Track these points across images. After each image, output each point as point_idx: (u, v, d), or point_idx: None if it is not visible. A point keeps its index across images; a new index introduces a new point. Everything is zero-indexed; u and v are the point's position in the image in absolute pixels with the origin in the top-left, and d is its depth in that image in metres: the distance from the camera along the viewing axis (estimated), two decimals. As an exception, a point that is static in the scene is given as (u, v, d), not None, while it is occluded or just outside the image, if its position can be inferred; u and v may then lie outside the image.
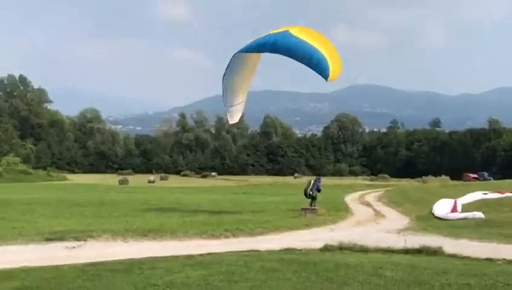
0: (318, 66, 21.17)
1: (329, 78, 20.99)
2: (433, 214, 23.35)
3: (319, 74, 21.15)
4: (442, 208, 24.03)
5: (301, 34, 22.18)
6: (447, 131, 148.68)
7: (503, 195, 28.40)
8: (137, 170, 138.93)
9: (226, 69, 25.60)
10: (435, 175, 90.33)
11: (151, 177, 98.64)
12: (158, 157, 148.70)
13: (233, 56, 24.63)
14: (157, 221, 20.70)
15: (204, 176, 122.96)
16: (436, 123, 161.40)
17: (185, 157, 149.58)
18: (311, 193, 26.15)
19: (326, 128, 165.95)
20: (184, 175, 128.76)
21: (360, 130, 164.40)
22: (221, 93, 27.16)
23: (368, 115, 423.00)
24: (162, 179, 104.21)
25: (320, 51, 21.44)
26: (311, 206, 25.87)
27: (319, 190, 26.86)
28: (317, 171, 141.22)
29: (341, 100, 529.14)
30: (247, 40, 24.81)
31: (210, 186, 74.45)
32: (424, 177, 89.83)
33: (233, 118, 28.01)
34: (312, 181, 27.23)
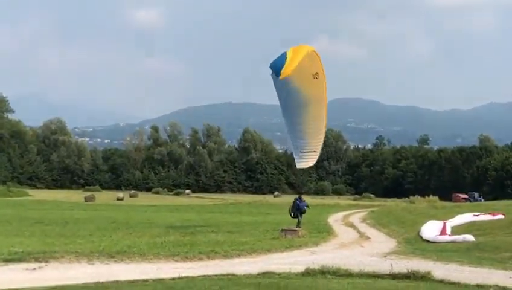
0: (274, 66, 22.39)
1: (281, 75, 22.67)
2: (421, 237, 23.49)
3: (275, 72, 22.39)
4: (430, 230, 24.19)
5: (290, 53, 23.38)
6: (435, 148, 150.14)
7: (495, 217, 28.67)
8: (105, 186, 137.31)
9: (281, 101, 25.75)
10: (423, 195, 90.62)
11: (120, 194, 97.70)
12: (128, 172, 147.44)
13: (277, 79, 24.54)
14: (125, 241, 20.47)
15: (177, 194, 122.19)
16: (424, 140, 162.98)
17: (157, 174, 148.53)
18: (292, 214, 26.75)
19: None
20: (156, 192, 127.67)
21: (345, 146, 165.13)
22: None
23: (353, 130, 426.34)
24: (131, 196, 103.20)
25: (287, 55, 22.71)
26: (297, 227, 26.20)
27: (301, 211, 27.07)
28: (298, 189, 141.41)
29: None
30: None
31: (183, 204, 74.02)
32: (411, 197, 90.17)
33: (302, 163, 27.20)
34: (294, 200, 27.67)
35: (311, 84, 25.33)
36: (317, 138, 27.08)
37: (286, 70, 23.13)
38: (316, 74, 25.43)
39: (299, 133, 26.48)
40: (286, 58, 23.41)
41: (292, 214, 27.44)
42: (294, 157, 27.05)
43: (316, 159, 27.46)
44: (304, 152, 26.54)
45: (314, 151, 27.10)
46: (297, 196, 28.52)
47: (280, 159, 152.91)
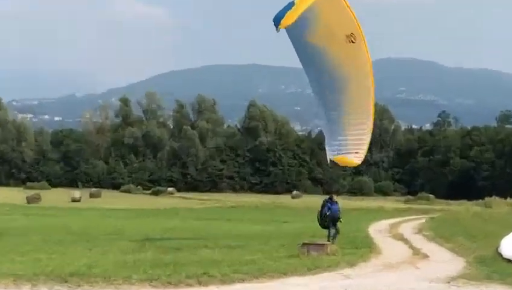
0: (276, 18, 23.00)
1: (280, 25, 22.96)
2: (500, 255, 23.43)
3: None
4: (514, 245, 24.14)
5: None
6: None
7: None
8: (54, 183, 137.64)
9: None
10: (504, 196, 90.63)
11: (76, 193, 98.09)
12: (87, 163, 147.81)
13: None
14: (83, 260, 20.54)
15: (156, 193, 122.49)
16: (506, 117, 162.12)
17: (128, 165, 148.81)
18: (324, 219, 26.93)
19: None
20: (126, 191, 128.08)
21: (393, 127, 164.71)
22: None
23: (405, 103, 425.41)
24: (92, 196, 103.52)
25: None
26: (329, 240, 26.31)
27: (334, 218, 27.18)
28: (326, 187, 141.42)
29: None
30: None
31: (165, 208, 74.21)
32: (487, 198, 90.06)
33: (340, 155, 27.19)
34: (323, 202, 27.74)
35: (345, 51, 25.29)
36: (360, 130, 27.11)
37: (287, 20, 23.10)
38: (352, 34, 25.29)
39: (335, 122, 26.61)
40: (293, 4, 23.42)
41: (323, 223, 27.46)
42: (326, 147, 27.11)
43: (362, 156, 27.46)
44: (343, 141, 26.60)
45: (360, 144, 27.09)
46: (327, 197, 28.50)
47: (301, 145, 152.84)
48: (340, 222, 28.11)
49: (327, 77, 26.15)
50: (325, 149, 27.43)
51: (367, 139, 27.49)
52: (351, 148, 26.89)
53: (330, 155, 27.11)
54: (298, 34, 25.21)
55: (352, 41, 25.22)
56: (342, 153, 26.79)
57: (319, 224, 27.74)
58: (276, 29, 23.21)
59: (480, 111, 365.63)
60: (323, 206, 27.52)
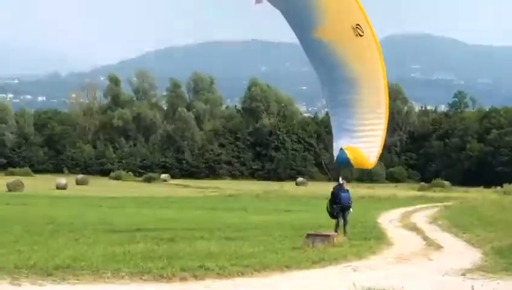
0: None
1: None
2: (520, 246, 23.50)
3: None
4: (535, 235, 24.20)
5: None
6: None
7: None
8: (38, 169, 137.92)
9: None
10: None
11: (62, 180, 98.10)
12: (73, 147, 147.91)
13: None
14: (69, 252, 20.56)
15: (148, 180, 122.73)
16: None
17: (118, 149, 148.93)
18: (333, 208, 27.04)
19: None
20: (116, 177, 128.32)
21: (406, 108, 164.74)
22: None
23: (419, 83, 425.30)
24: (79, 183, 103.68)
25: None
26: (336, 231, 26.53)
27: (344, 207, 27.27)
28: (335, 172, 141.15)
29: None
30: None
31: (158, 196, 74.32)
32: (506, 185, 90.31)
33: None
34: (333, 190, 27.87)
35: (353, 46, 25.17)
36: (372, 131, 27.01)
37: None
38: (358, 26, 25.11)
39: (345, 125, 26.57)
40: None
41: (333, 212, 27.55)
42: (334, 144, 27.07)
43: (375, 158, 27.39)
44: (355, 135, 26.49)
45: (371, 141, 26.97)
46: (338, 183, 28.53)
47: (306, 128, 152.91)
48: (350, 212, 28.21)
49: (337, 78, 26.04)
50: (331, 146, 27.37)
51: (379, 142, 27.25)
52: (364, 145, 26.66)
53: (339, 146, 26.75)
54: (303, 31, 25.17)
55: (360, 35, 25.02)
56: (354, 144, 26.48)
57: (329, 213, 27.84)
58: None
59: (499, 91, 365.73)
60: (333, 194, 27.59)
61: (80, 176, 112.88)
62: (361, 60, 25.61)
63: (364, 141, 26.42)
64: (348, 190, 28.03)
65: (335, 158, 27.22)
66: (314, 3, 24.14)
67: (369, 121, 26.49)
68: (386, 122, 27.12)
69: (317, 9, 24.32)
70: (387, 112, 27.05)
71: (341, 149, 26.61)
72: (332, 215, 27.65)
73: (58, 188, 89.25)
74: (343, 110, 26.47)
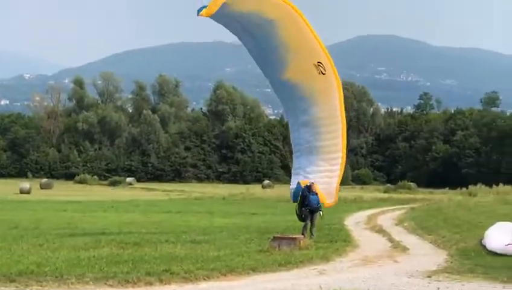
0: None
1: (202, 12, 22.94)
2: (484, 247, 23.71)
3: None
4: (499, 237, 24.37)
5: None
6: (509, 113, 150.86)
7: None
8: (1, 173, 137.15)
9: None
10: (489, 184, 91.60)
11: (25, 184, 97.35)
12: (37, 151, 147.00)
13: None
14: (32, 257, 20.45)
15: (114, 183, 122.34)
16: (492, 100, 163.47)
17: (83, 153, 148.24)
18: (301, 211, 27.16)
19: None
20: (80, 181, 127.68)
21: (372, 109, 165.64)
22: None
23: (385, 84, 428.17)
24: (43, 187, 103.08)
25: None
26: (303, 234, 26.64)
27: (312, 209, 27.30)
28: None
29: (342, 60, 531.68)
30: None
31: (123, 199, 73.96)
32: (471, 187, 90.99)
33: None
34: (301, 193, 27.87)
35: (316, 85, 25.57)
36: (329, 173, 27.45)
37: (210, 8, 22.92)
38: (319, 64, 25.34)
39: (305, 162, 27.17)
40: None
41: (301, 214, 27.60)
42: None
43: (332, 199, 27.68)
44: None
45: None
46: (306, 184, 28.50)
47: (272, 130, 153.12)
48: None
49: (303, 122, 26.55)
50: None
51: (335, 185, 27.79)
52: (321, 186, 27.14)
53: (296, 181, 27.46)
54: (272, 73, 26.06)
55: (322, 73, 25.22)
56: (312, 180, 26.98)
57: (297, 216, 27.86)
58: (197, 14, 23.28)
59: (464, 93, 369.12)
60: (302, 196, 27.55)
61: (44, 180, 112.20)
62: (324, 103, 26.09)
63: (321, 183, 26.99)
64: (317, 193, 28.05)
65: (292, 192, 27.77)
66: (279, 42, 24.35)
67: (326, 168, 27.06)
68: (343, 164, 27.76)
69: (283, 49, 24.55)
70: (345, 154, 27.73)
71: (298, 183, 27.40)
72: (301, 217, 27.69)
73: (22, 192, 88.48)
74: (305, 157, 27.27)
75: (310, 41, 24.96)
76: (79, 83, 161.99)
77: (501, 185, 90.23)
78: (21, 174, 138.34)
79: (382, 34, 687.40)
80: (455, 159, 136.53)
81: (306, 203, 27.31)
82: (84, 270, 17.46)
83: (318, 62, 25.01)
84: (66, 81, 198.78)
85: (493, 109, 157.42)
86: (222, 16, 23.81)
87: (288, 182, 27.82)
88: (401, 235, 31.78)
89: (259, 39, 25.08)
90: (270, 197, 78.61)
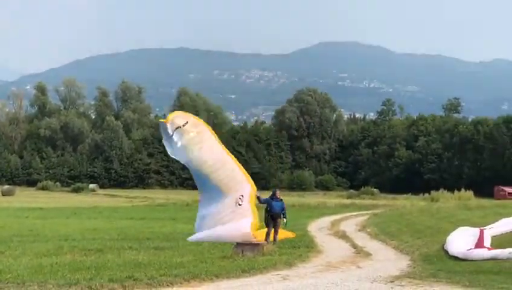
0: None
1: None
2: (446, 252, 23.90)
3: None
4: (460, 242, 24.59)
5: None
6: (470, 119, 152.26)
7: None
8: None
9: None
10: (451, 189, 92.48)
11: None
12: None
13: None
14: (-5, 264, 20.28)
15: (76, 190, 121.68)
16: (454, 106, 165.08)
17: (45, 159, 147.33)
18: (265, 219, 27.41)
19: (280, 112, 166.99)
20: (43, 188, 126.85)
21: (335, 116, 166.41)
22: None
23: (348, 91, 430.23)
24: (4, 194, 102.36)
25: None
26: (267, 240, 26.69)
27: (273, 215, 27.41)
28: (265, 181, 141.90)
29: (304, 67, 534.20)
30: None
31: (86, 206, 73.59)
32: (433, 192, 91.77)
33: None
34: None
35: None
36: None
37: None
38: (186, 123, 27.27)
39: None
40: None
41: (264, 221, 27.77)
42: None
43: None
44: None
45: None
46: (271, 192, 28.73)
47: (236, 136, 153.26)
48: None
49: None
50: None
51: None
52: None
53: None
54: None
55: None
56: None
57: (265, 224, 28.01)
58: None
59: (426, 99, 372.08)
60: (265, 202, 27.71)
61: (6, 187, 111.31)
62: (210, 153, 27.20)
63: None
64: (281, 199, 28.17)
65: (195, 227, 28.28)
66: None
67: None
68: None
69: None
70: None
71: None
72: (265, 223, 27.81)
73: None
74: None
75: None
76: (41, 89, 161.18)
77: (463, 190, 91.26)
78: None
79: (345, 40, 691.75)
80: (417, 165, 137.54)
81: (268, 209, 27.48)
82: (46, 277, 17.34)
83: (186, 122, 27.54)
84: (28, 87, 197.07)
85: (455, 115, 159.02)
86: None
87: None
88: (364, 240, 31.92)
89: None
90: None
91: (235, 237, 25.83)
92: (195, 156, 26.98)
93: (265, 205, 28.05)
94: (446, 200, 76.03)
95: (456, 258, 22.53)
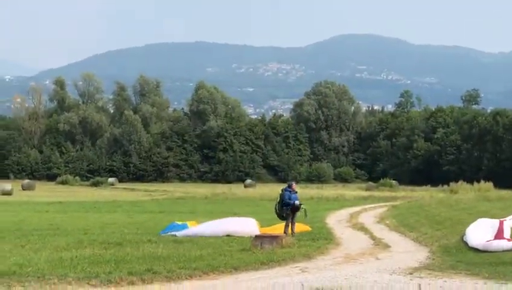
0: None
1: None
2: (466, 243, 23.78)
3: None
4: (480, 233, 24.47)
5: None
6: (489, 110, 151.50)
7: None
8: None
9: None
10: (470, 181, 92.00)
11: (7, 185, 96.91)
12: (19, 152, 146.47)
13: None
14: (15, 257, 20.37)
15: (95, 184, 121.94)
16: (473, 98, 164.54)
17: (64, 153, 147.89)
18: (285, 211, 27.30)
19: (298, 105, 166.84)
20: (62, 182, 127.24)
21: (353, 108, 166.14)
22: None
23: (366, 83, 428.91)
24: (25, 188, 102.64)
25: None
26: (285, 232, 26.78)
27: (292, 207, 27.45)
28: (283, 174, 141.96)
29: (322, 60, 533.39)
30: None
31: (105, 200, 73.76)
32: (452, 184, 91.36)
33: None
34: (281, 191, 28.08)
35: None
36: None
37: None
38: None
39: None
40: None
41: (282, 214, 27.79)
42: None
43: None
44: None
45: None
46: (287, 185, 28.78)
47: (254, 129, 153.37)
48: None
49: None
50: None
51: None
52: None
53: None
54: None
55: None
56: None
57: (277, 215, 28.08)
58: None
59: (445, 91, 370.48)
60: (281, 195, 27.80)
61: (26, 181, 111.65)
62: None
63: None
64: (297, 192, 28.26)
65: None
66: None
67: None
68: None
69: None
70: None
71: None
72: (281, 216, 27.85)
73: (3, 193, 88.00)
74: None
75: None
76: (60, 84, 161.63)
77: (482, 182, 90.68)
78: (2, 175, 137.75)
79: (362, 33, 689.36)
80: (436, 156, 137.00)
81: (286, 202, 27.51)
82: (66, 270, 17.42)
83: None
84: (47, 82, 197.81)
85: (474, 106, 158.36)
86: None
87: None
88: (383, 232, 31.82)
89: None
90: (252, 196, 78.60)
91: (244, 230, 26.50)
92: None
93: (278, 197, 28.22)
94: (465, 191, 75.56)
95: (475, 249, 22.44)
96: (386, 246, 25.97)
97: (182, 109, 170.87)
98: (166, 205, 63.22)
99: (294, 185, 28.52)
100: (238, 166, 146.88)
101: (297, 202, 27.83)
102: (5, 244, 25.69)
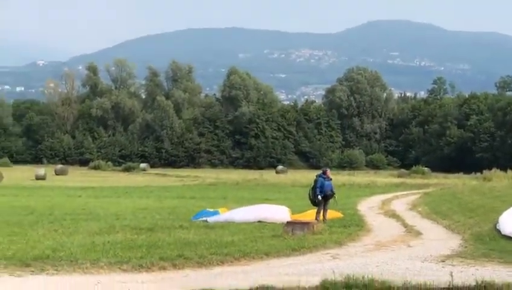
0: None
1: None
2: (499, 231, 23.62)
3: None
4: (514, 221, 24.32)
5: None
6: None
7: None
8: (17, 159, 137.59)
9: None
10: (504, 169, 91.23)
11: (41, 170, 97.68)
12: (52, 137, 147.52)
13: None
14: (48, 242, 20.56)
15: (127, 169, 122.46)
16: (507, 84, 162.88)
17: (97, 139, 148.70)
18: (316, 197, 27.53)
19: (330, 91, 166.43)
20: (95, 167, 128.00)
21: (385, 95, 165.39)
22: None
23: (399, 69, 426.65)
24: (58, 173, 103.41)
25: None
26: (317, 219, 26.95)
27: (326, 194, 27.59)
28: (314, 161, 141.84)
29: (354, 46, 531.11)
30: None
31: (137, 185, 74.16)
32: (486, 171, 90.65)
33: None
34: (315, 177, 28.21)
35: None
36: None
37: None
38: None
39: None
40: None
41: (315, 199, 27.87)
42: None
43: None
44: None
45: None
46: (321, 171, 28.89)
47: (286, 116, 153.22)
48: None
49: None
50: None
51: None
52: None
53: None
54: None
55: None
56: None
57: (310, 201, 28.16)
58: None
59: (478, 77, 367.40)
60: (316, 181, 27.89)
61: (59, 166, 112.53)
62: None
63: None
64: (331, 179, 28.37)
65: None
66: None
67: None
68: None
69: None
70: None
71: None
72: (314, 202, 27.92)
73: (37, 178, 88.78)
74: None
75: None
76: (93, 70, 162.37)
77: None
78: (36, 160, 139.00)
79: (395, 18, 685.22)
80: (469, 143, 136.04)
81: (320, 189, 27.58)
82: (98, 255, 17.57)
83: None
84: (80, 67, 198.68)
85: (508, 93, 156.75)
86: None
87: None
88: (414, 220, 31.73)
89: None
90: (283, 182, 78.61)
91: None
92: None
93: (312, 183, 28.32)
94: (499, 179, 74.76)
95: (508, 237, 22.28)
96: (418, 234, 25.90)
97: (214, 94, 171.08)
98: (198, 191, 63.38)
99: (328, 172, 28.63)
100: (269, 152, 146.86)
101: (329, 193, 27.94)
102: (38, 228, 25.93)
